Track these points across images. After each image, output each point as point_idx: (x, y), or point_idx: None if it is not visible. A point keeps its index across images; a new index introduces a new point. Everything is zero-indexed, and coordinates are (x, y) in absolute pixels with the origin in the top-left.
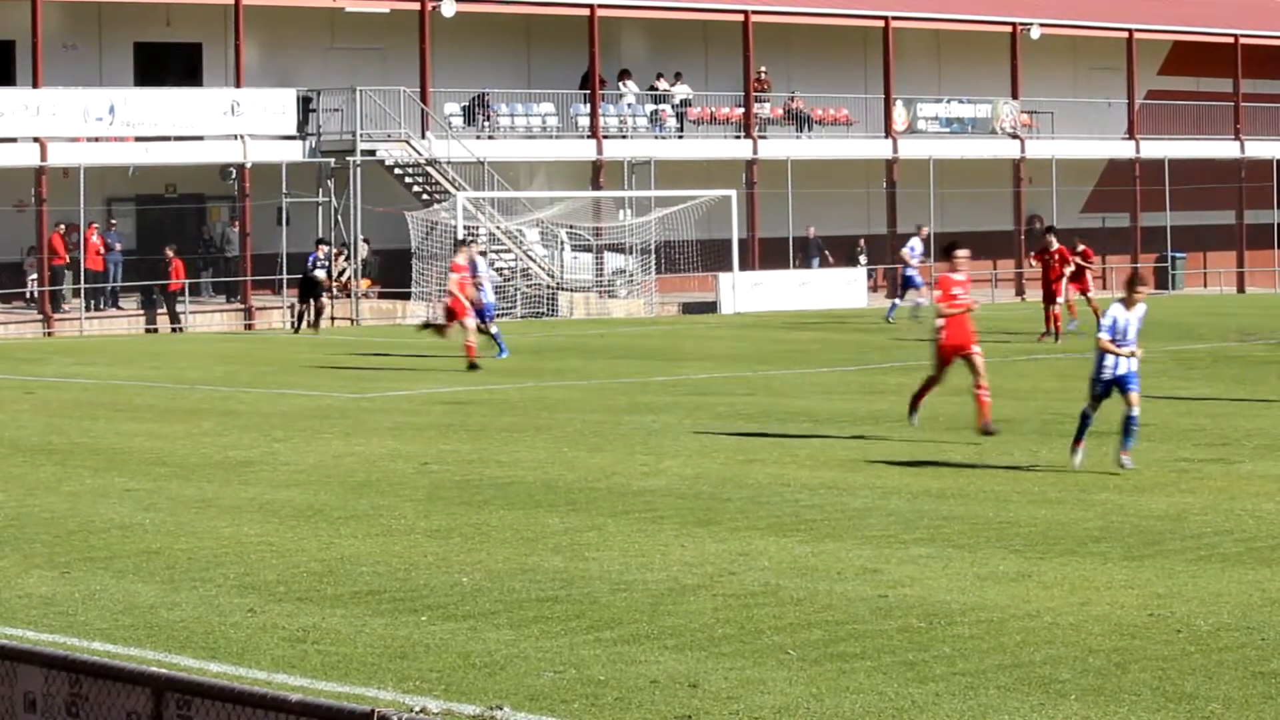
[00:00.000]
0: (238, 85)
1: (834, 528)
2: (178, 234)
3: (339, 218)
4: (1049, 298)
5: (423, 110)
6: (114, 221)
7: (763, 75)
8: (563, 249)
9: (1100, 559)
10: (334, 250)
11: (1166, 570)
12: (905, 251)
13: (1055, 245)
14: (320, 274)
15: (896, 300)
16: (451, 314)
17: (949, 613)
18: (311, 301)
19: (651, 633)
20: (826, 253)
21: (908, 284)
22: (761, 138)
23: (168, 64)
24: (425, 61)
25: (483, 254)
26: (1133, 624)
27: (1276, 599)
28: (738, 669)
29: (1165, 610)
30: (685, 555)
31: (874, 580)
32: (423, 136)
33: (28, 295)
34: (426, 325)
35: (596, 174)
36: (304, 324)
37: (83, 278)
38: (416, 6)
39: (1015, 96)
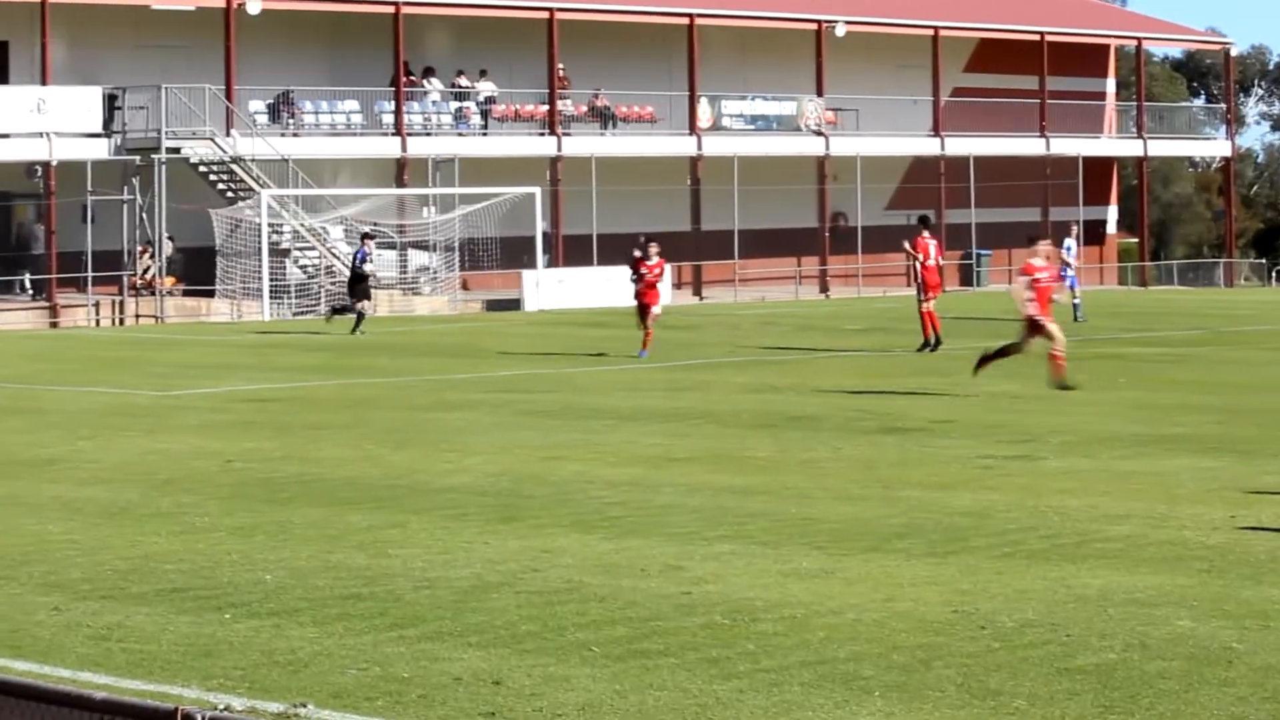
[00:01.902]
0: (44, 83)
1: (637, 525)
2: None
3: (144, 215)
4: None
5: (228, 108)
6: None
7: (562, 73)
8: None
9: (904, 555)
10: (139, 248)
11: (971, 567)
12: (1062, 251)
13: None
14: (369, 268)
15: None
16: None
17: (752, 609)
18: (358, 301)
19: (455, 630)
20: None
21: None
22: (566, 135)
23: None
24: (230, 59)
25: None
26: (937, 621)
27: (1081, 595)
28: (541, 666)
29: (969, 607)
30: (488, 552)
31: (677, 577)
32: (228, 134)
33: None
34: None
35: (401, 171)
36: (360, 324)
37: None
38: (222, 4)
39: (820, 94)
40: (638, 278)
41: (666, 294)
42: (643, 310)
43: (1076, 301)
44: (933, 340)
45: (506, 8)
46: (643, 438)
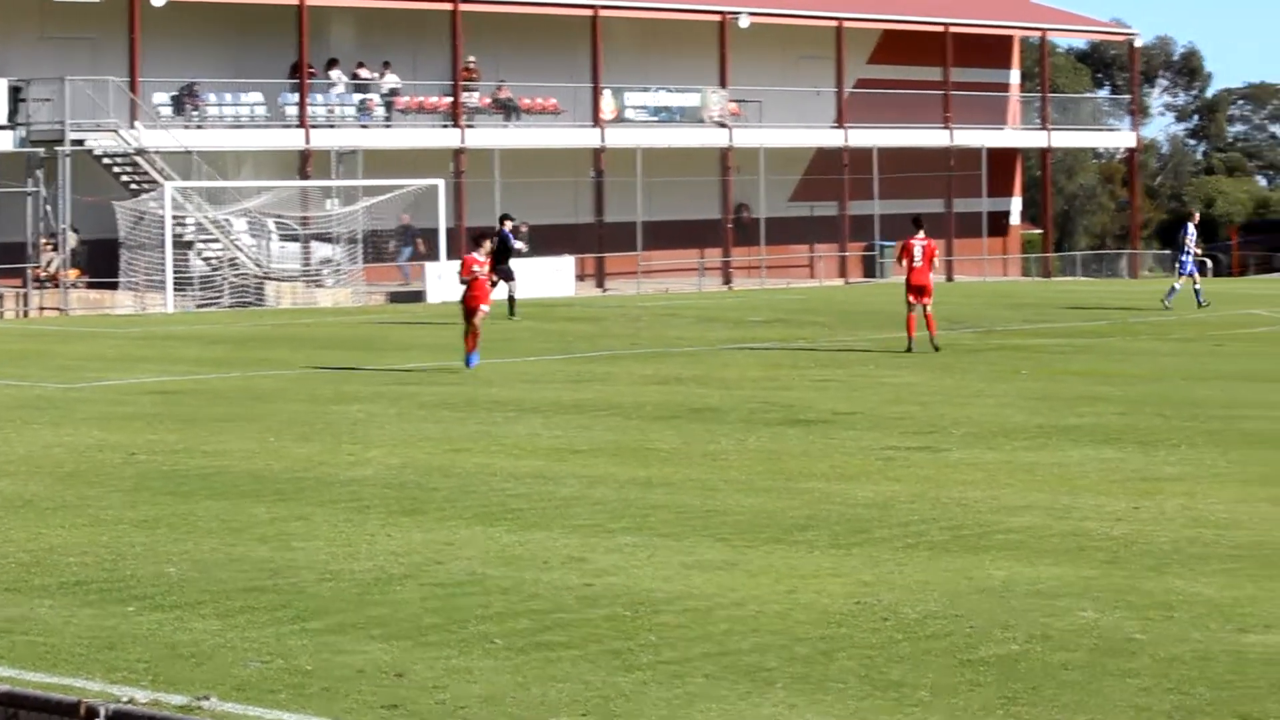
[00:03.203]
0: None
1: (540, 517)
2: None
3: (48, 208)
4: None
5: (131, 100)
6: None
7: (471, 64)
8: (270, 238)
9: (807, 547)
10: (43, 240)
11: (873, 558)
12: (1186, 239)
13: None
14: (520, 245)
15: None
16: None
17: (655, 601)
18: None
19: (358, 622)
20: (419, 241)
21: (1183, 268)
22: (469, 127)
23: None
24: (134, 51)
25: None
26: (840, 612)
27: (984, 587)
28: (444, 658)
29: (872, 598)
30: (392, 545)
31: (580, 569)
32: (131, 126)
33: None
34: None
35: (304, 163)
36: (514, 306)
37: None
38: None
39: (724, 85)
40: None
41: (567, 286)
42: (469, 312)
43: (1197, 287)
44: (911, 344)
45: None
46: (545, 430)
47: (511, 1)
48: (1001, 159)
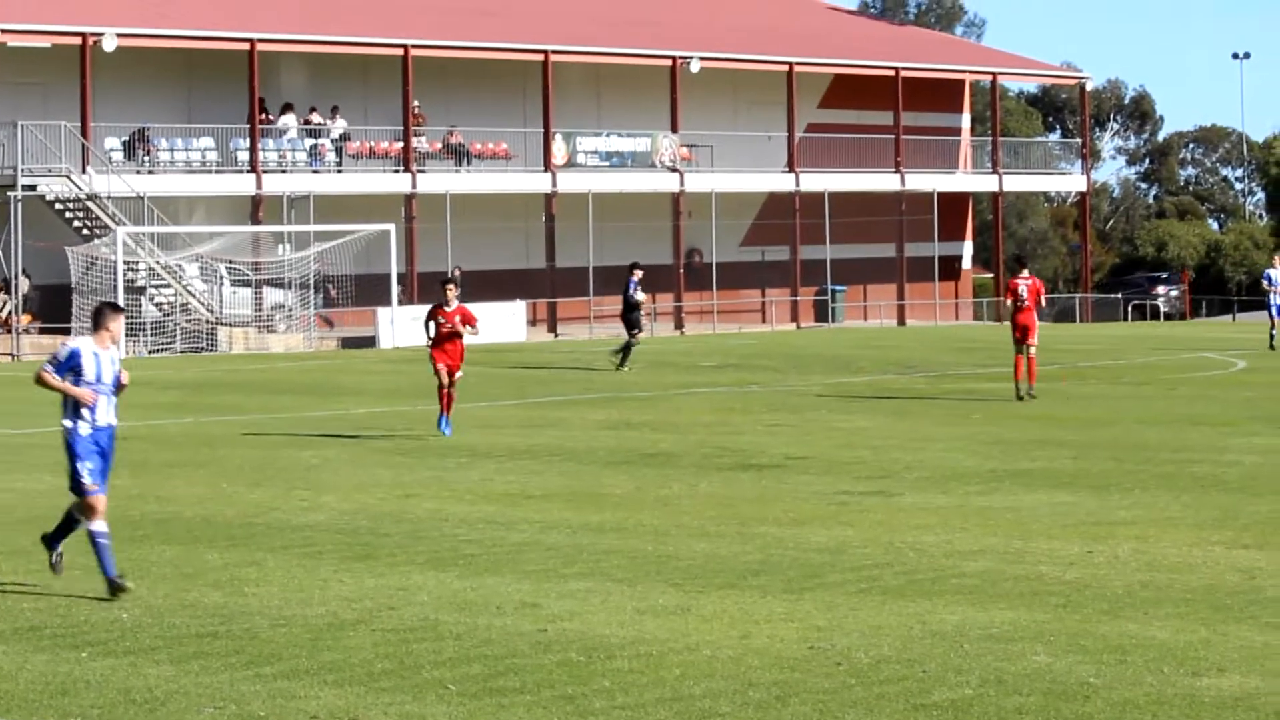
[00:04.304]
0: None
1: (493, 562)
2: None
3: (0, 253)
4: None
5: (83, 145)
6: None
7: (416, 109)
8: (222, 284)
9: (760, 592)
10: None
11: (827, 603)
12: (1263, 282)
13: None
14: (641, 296)
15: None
16: None
17: (608, 646)
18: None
19: (311, 668)
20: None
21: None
22: (420, 172)
23: None
24: (86, 96)
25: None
26: (793, 657)
27: (937, 631)
28: (398, 704)
29: (826, 643)
30: (344, 590)
31: (533, 615)
32: (83, 171)
33: None
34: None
35: (256, 208)
36: (626, 358)
37: None
38: (78, 41)
39: (675, 130)
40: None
41: (519, 332)
42: (435, 370)
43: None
44: (1024, 391)
45: (362, 44)
46: (498, 475)
47: (463, 46)
48: (953, 203)
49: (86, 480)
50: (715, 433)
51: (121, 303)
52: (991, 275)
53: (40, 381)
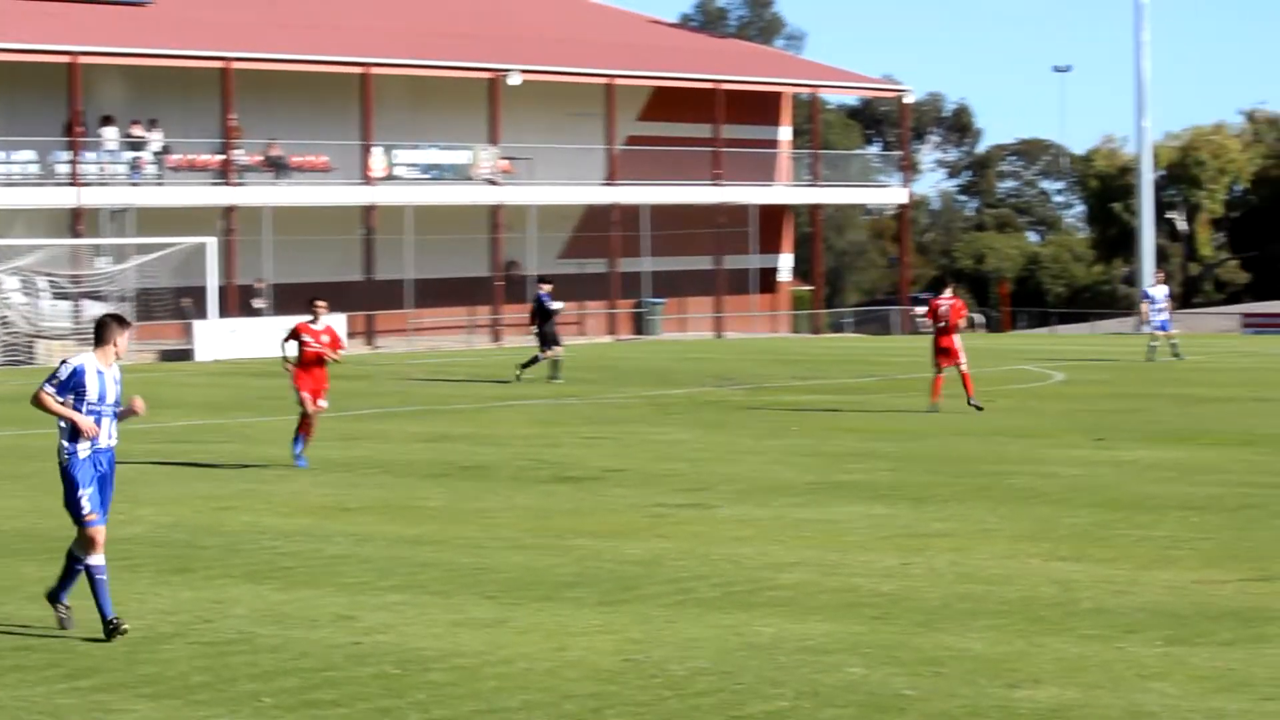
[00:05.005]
0: None
1: (309, 575)
2: None
3: None
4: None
5: None
6: None
7: (233, 123)
8: (42, 297)
9: (576, 604)
10: None
11: (642, 615)
12: (1144, 301)
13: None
14: (556, 306)
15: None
16: None
17: (424, 659)
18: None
19: (128, 681)
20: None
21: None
22: (239, 184)
23: None
24: None
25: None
26: (608, 669)
27: (753, 643)
28: (214, 716)
29: (641, 655)
30: (161, 603)
31: (349, 627)
32: None
33: None
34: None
35: (75, 221)
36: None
37: None
38: None
39: (494, 142)
40: (297, 354)
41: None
42: (298, 398)
43: (1174, 342)
44: (938, 402)
45: (181, 57)
46: (315, 488)
47: (282, 59)
48: (771, 215)
49: (88, 508)
50: (533, 445)
51: None
52: (810, 288)
53: (39, 404)
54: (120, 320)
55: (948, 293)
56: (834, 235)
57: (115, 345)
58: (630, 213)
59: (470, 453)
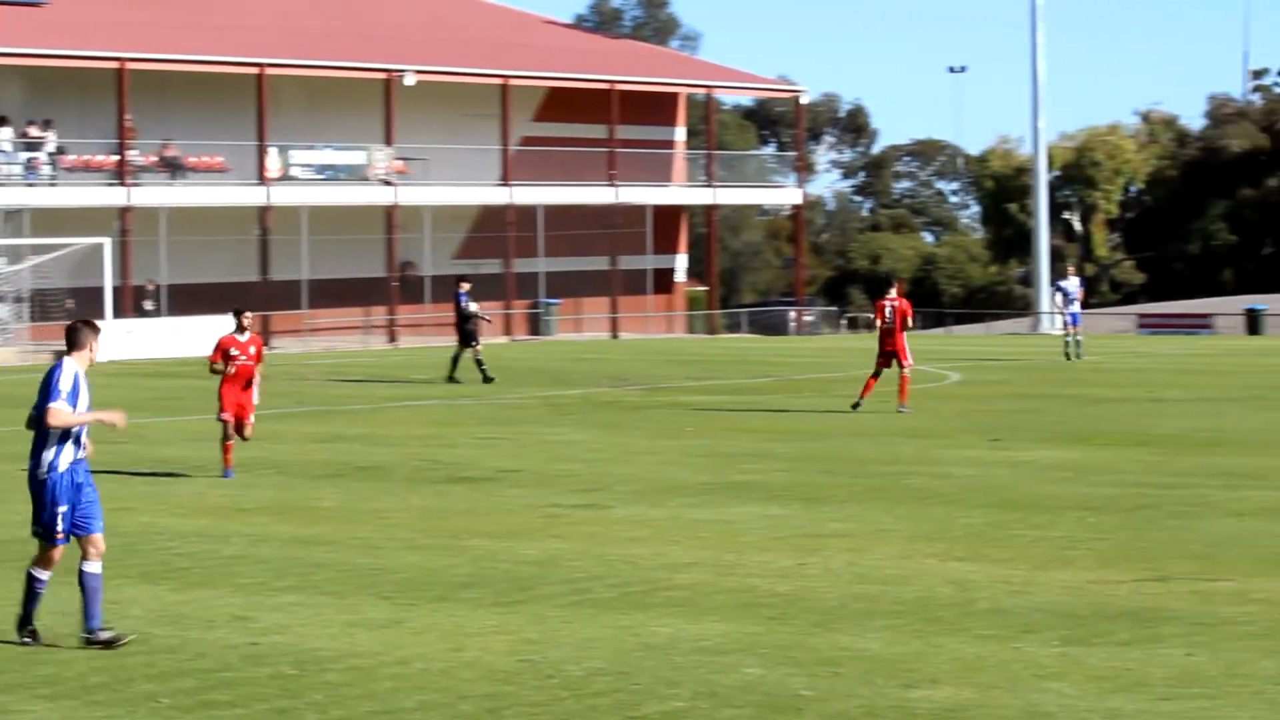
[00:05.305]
0: None
1: (205, 576)
2: None
3: None
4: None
5: None
6: None
7: (127, 123)
8: None
9: (472, 605)
10: None
11: (538, 616)
12: (1057, 295)
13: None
14: (474, 308)
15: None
16: None
17: (320, 660)
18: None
19: (25, 682)
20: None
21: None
22: (135, 185)
23: None
24: None
25: None
26: (504, 670)
27: (649, 643)
28: (111, 717)
29: (537, 655)
30: (57, 605)
31: (245, 628)
32: None
33: None
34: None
35: None
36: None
37: None
38: None
39: (389, 143)
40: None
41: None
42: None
43: (1079, 339)
44: (860, 403)
45: (77, 58)
46: (211, 489)
47: (178, 60)
48: (667, 216)
49: (60, 528)
50: (428, 446)
51: None
52: (706, 288)
53: (58, 420)
54: (92, 325)
55: (893, 293)
56: (729, 236)
57: (90, 350)
58: (525, 213)
59: (365, 453)
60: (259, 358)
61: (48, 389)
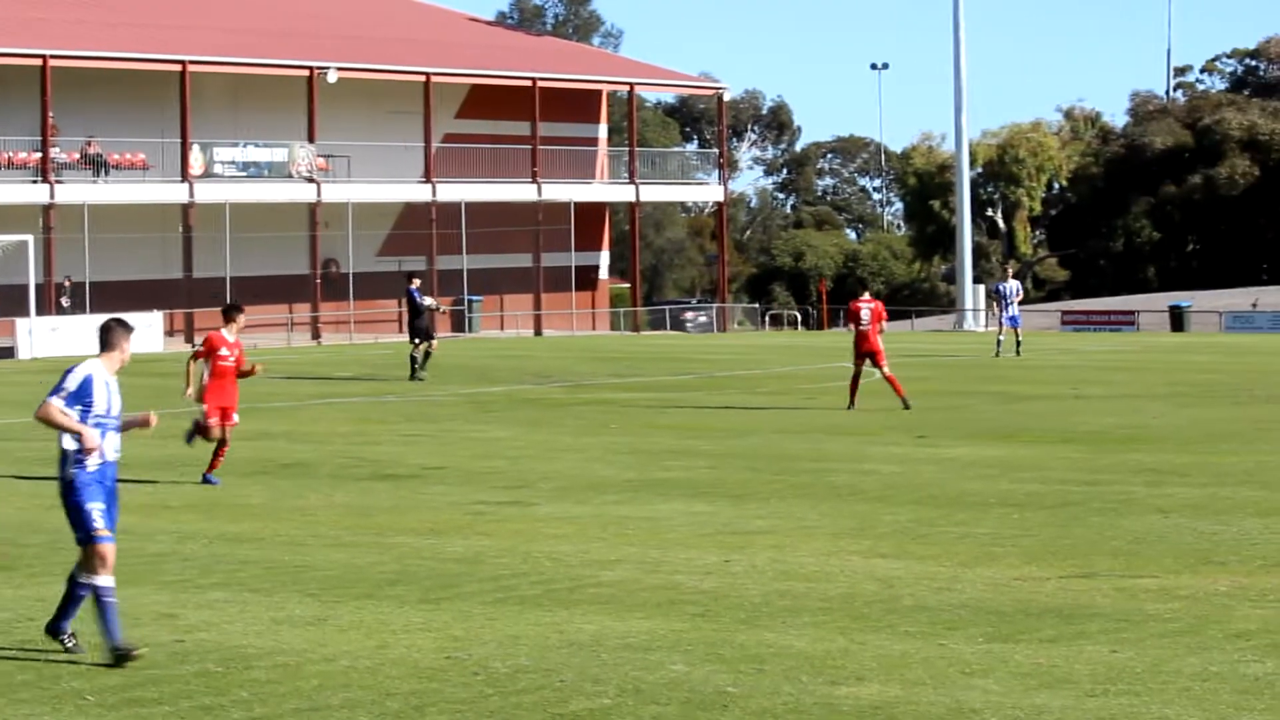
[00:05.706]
0: None
1: (131, 573)
2: None
3: None
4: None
5: None
6: None
7: (50, 120)
8: None
9: (397, 602)
10: None
11: (464, 613)
12: (994, 294)
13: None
14: (429, 302)
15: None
16: None
17: (246, 657)
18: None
19: None
20: None
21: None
22: (58, 182)
23: None
24: None
25: None
26: (430, 667)
27: (574, 640)
28: (36, 715)
29: (463, 652)
30: None
31: (171, 625)
32: None
33: None
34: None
35: None
36: (423, 364)
37: None
38: None
39: (312, 140)
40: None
41: (156, 343)
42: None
43: (1019, 339)
44: (851, 401)
45: None
46: (136, 486)
47: (101, 56)
48: (590, 213)
49: (99, 523)
50: (352, 443)
51: None
52: (629, 285)
53: (45, 417)
54: (125, 325)
55: (866, 295)
56: (652, 233)
57: (122, 351)
58: (448, 210)
59: (289, 450)
60: (241, 360)
61: (57, 383)
